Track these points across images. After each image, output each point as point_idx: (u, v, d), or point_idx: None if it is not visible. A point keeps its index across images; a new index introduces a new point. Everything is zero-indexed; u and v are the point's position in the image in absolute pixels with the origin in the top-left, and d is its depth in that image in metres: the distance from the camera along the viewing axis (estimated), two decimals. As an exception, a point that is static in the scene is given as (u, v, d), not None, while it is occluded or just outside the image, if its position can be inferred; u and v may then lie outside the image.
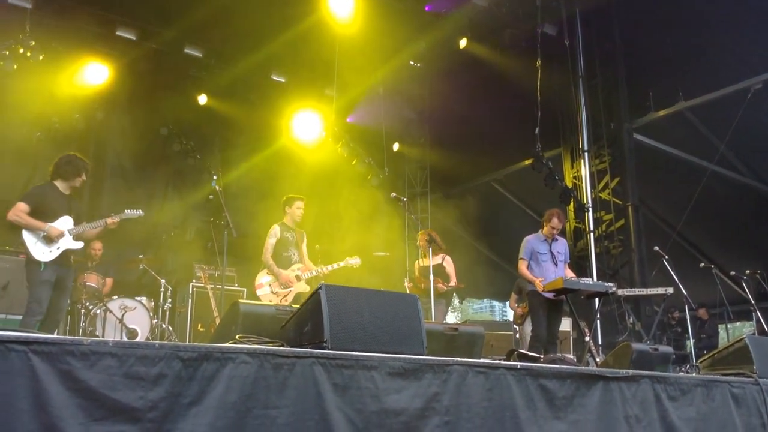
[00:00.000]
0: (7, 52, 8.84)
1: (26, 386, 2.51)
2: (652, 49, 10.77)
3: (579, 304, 8.20)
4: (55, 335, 7.45)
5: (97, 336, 7.59)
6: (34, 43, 8.96)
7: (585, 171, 11.16)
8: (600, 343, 9.80)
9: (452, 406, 3.64)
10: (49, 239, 5.85)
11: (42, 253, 5.82)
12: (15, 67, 9.00)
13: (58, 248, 5.90)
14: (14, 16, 9.05)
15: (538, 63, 9.97)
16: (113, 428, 2.64)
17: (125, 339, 7.63)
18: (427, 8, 10.59)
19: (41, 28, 9.37)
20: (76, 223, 6.10)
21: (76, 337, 2.80)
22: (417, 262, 8.82)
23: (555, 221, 7.53)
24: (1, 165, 9.76)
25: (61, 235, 5.93)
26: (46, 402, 2.53)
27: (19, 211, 5.81)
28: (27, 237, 5.82)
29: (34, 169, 9.94)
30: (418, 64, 12.49)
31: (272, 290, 7.27)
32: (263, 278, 7.34)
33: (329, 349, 3.45)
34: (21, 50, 8.90)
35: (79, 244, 6.11)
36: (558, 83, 11.27)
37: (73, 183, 6.22)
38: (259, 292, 7.27)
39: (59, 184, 6.17)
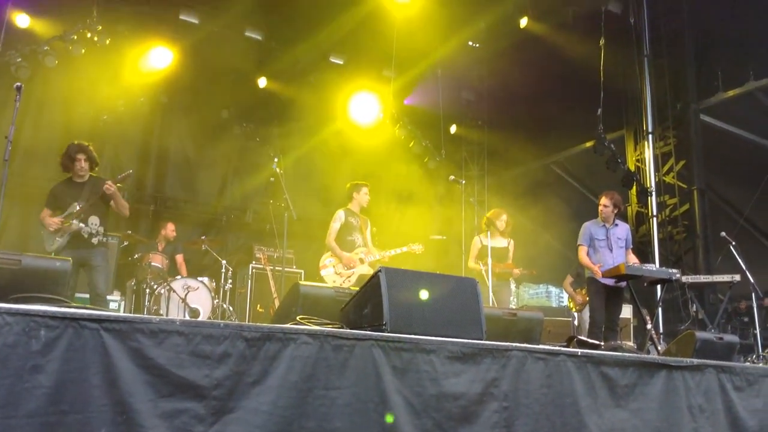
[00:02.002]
0: (75, 37, 9.09)
1: (98, 362, 2.61)
2: (721, 27, 10.35)
3: (641, 291, 8.02)
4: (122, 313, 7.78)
5: (162, 315, 7.82)
6: (101, 27, 9.20)
7: (649, 153, 10.86)
8: (662, 331, 9.58)
9: (511, 392, 3.63)
10: (54, 231, 6.14)
11: (49, 244, 6.16)
12: (83, 51, 9.26)
13: (62, 236, 6.14)
14: (82, 1, 9.29)
15: (602, 42, 9.74)
16: (180, 405, 2.72)
17: (188, 318, 7.83)
18: (487, -13, 10.42)
19: (108, 13, 9.61)
20: (87, 207, 6.20)
21: (146, 316, 2.90)
22: (478, 238, 8.56)
23: (602, 200, 7.39)
24: (71, 147, 10.09)
25: (58, 224, 6.12)
26: (116, 378, 2.62)
27: (43, 215, 6.24)
28: (43, 232, 6.23)
29: (101, 151, 10.25)
30: (477, 45, 12.32)
31: (336, 271, 7.39)
32: (327, 259, 7.49)
33: (388, 332, 3.47)
34: (89, 35, 9.14)
35: (87, 227, 6.16)
36: (622, 63, 10.95)
37: (74, 168, 6.31)
38: (323, 273, 7.41)
39: (71, 176, 6.38)
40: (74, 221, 6.14)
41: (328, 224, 7.62)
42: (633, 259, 7.45)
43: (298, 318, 3.86)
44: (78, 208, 6.19)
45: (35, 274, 3.64)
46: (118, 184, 6.44)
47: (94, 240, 6.25)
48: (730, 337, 5.71)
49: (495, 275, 7.71)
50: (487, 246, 7.80)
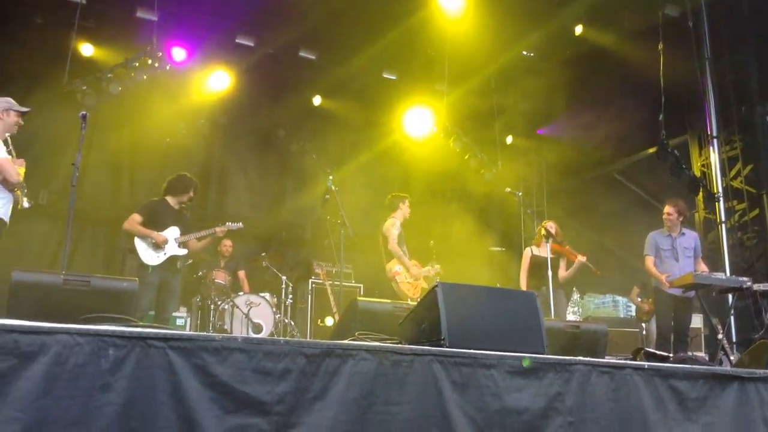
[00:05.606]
0: (137, 64, 9.39)
1: (165, 380, 2.68)
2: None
3: (712, 300, 7.76)
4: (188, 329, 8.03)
5: (226, 330, 7.99)
6: (161, 54, 9.49)
7: (714, 158, 10.50)
8: (734, 340, 9.22)
9: (576, 406, 3.55)
10: (156, 246, 6.46)
11: (150, 258, 6.44)
12: (144, 77, 9.56)
13: (165, 254, 6.49)
14: (142, 29, 9.62)
15: (660, 47, 9.50)
16: (244, 420, 2.77)
17: (252, 333, 7.98)
18: (540, -5, 10.31)
19: (167, 39, 9.91)
20: (183, 234, 6.65)
21: (209, 333, 2.96)
22: (529, 249, 8.24)
23: (666, 208, 7.23)
24: (136, 170, 10.48)
25: (166, 242, 6.49)
26: (183, 395, 2.69)
27: (133, 221, 6.53)
28: (138, 243, 6.48)
29: (164, 173, 10.55)
30: (531, 54, 12.20)
31: (407, 279, 7.43)
32: (396, 266, 7.49)
33: (447, 347, 3.45)
34: (149, 61, 9.45)
35: (183, 251, 6.67)
36: (682, 67, 10.64)
37: (182, 199, 6.83)
38: (398, 279, 7.42)
39: (170, 200, 6.81)
40: (178, 246, 6.57)
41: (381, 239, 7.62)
42: (703, 268, 7.23)
43: (356, 334, 3.88)
44: (178, 234, 6.59)
45: (104, 294, 3.77)
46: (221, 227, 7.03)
47: (178, 264, 6.71)
48: (807, 347, 5.45)
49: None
50: (538, 256, 7.67)
